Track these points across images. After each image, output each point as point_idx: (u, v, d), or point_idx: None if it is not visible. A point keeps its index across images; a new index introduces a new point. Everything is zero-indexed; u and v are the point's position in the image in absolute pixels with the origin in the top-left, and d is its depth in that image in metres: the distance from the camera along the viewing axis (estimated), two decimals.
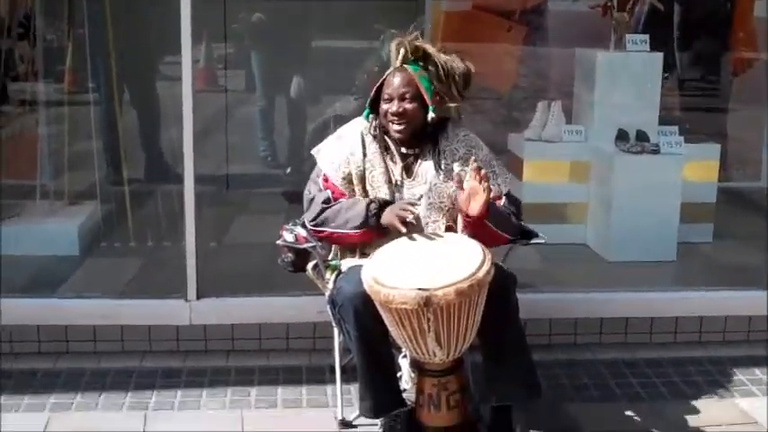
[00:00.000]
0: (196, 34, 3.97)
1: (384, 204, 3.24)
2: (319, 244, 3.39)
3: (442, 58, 3.31)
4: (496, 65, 5.71)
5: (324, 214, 3.30)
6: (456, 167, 3.26)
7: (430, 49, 3.33)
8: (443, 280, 2.90)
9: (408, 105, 3.26)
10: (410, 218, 3.14)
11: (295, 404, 3.69)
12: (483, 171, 3.12)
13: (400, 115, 3.27)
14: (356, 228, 3.23)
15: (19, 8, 5.07)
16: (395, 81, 3.29)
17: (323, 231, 3.32)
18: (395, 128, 3.29)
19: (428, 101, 3.27)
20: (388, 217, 3.18)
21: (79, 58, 5.18)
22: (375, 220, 3.19)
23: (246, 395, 3.75)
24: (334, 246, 3.51)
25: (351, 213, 3.24)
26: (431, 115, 3.28)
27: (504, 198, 3.36)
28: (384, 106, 3.30)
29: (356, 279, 3.07)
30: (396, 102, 3.27)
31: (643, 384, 3.90)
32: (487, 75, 5.59)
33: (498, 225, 3.22)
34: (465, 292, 2.89)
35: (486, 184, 3.09)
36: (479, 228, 3.15)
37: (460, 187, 3.15)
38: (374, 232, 3.22)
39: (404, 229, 3.13)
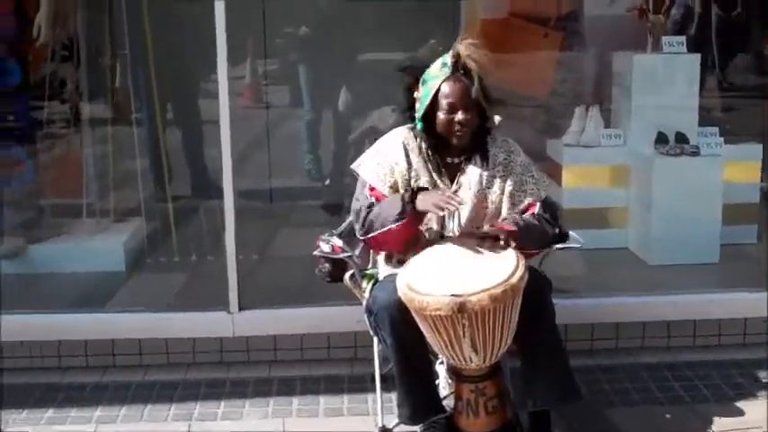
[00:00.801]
0: (240, 50, 4.01)
1: (419, 189, 3.23)
2: (356, 253, 3.42)
3: (483, 65, 3.30)
4: (534, 71, 5.71)
5: (368, 219, 3.28)
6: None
7: (478, 58, 3.29)
8: (477, 286, 2.92)
9: (472, 113, 3.26)
10: (451, 209, 3.14)
11: (336, 413, 3.72)
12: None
13: (464, 125, 3.26)
14: (396, 220, 3.17)
15: (62, 31, 5.18)
16: (454, 90, 3.26)
17: (372, 238, 3.29)
18: (458, 136, 3.28)
19: (486, 108, 3.29)
20: (424, 202, 3.15)
21: (122, 78, 5.27)
22: (411, 206, 3.16)
23: (288, 404, 3.79)
24: (371, 255, 3.54)
25: (389, 208, 3.21)
26: (497, 118, 3.31)
27: (538, 205, 3.36)
28: (444, 116, 3.27)
29: (391, 287, 3.10)
30: (461, 111, 3.25)
31: (685, 387, 3.88)
32: (525, 81, 5.60)
33: (528, 245, 3.21)
34: (499, 297, 2.91)
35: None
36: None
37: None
38: (414, 220, 3.19)
39: (441, 213, 3.14)
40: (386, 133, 3.51)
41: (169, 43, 5.25)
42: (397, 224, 3.18)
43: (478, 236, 3.19)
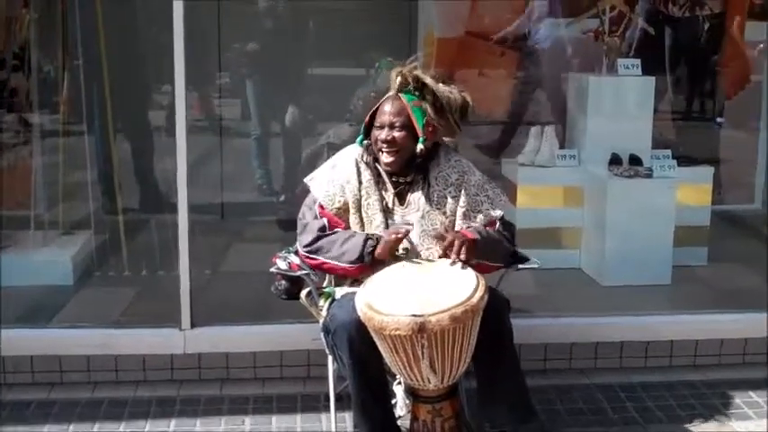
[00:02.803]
0: (191, 64, 3.98)
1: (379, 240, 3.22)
2: (312, 272, 3.39)
3: (440, 88, 3.30)
4: (489, 90, 5.75)
5: (319, 242, 3.28)
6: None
7: (427, 79, 3.31)
8: (437, 306, 2.90)
9: (397, 134, 3.27)
10: (402, 232, 3.16)
11: None
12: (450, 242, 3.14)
13: (389, 143, 3.27)
14: (351, 262, 3.20)
15: (13, 40, 5.09)
16: (387, 109, 3.30)
17: (315, 259, 3.30)
18: (384, 158, 3.30)
19: (419, 131, 3.28)
20: (380, 250, 3.17)
21: (74, 88, 5.19)
22: (371, 257, 3.18)
23: (241, 423, 3.73)
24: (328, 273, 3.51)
25: (347, 246, 3.22)
26: (419, 147, 3.28)
27: (498, 223, 3.35)
28: (375, 133, 3.32)
29: (350, 306, 3.07)
30: (386, 129, 3.28)
31: (638, 409, 3.88)
32: (480, 100, 5.61)
33: (489, 257, 3.22)
34: (459, 317, 2.89)
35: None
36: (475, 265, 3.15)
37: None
38: (368, 267, 3.20)
39: (400, 236, 3.17)
40: (342, 148, 3.51)
41: (123, 54, 5.19)
42: (353, 267, 3.21)
43: (436, 237, 3.20)
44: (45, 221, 5.03)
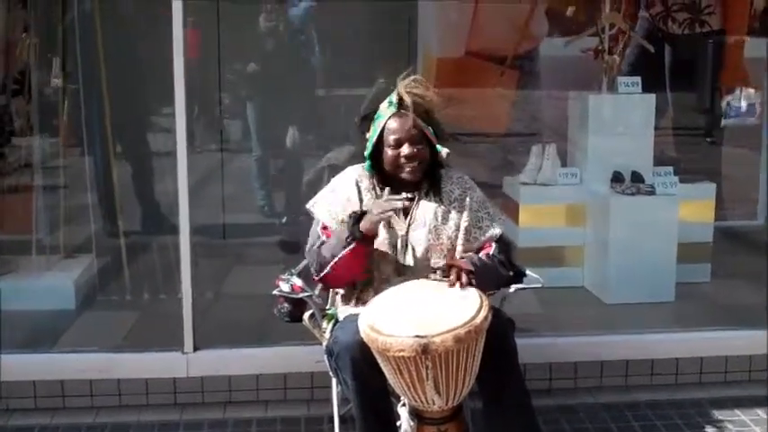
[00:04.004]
0: (191, 85, 3.99)
1: (361, 214, 3.20)
2: (315, 293, 3.37)
3: (434, 99, 3.32)
4: (490, 109, 5.76)
5: (320, 255, 3.26)
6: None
7: (423, 93, 3.31)
8: (441, 327, 2.87)
9: (419, 146, 3.27)
10: (397, 206, 3.14)
11: None
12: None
13: (413, 157, 3.26)
14: (344, 246, 3.16)
15: (14, 64, 5.10)
16: (397, 126, 3.28)
17: (327, 273, 3.26)
18: (408, 171, 3.28)
19: (434, 140, 3.29)
20: (368, 222, 3.15)
21: (74, 112, 5.19)
22: (358, 230, 3.15)
23: None
24: (330, 295, 3.50)
25: (336, 238, 3.21)
26: (444, 151, 3.29)
27: (494, 245, 3.34)
28: (391, 152, 3.28)
29: (353, 328, 3.05)
30: (406, 145, 3.26)
31: (644, 427, 3.87)
32: (481, 119, 5.64)
33: (484, 287, 3.17)
34: (463, 338, 2.87)
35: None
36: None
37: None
38: (362, 244, 3.17)
39: (389, 215, 3.15)
40: (343, 169, 3.50)
41: (123, 77, 5.20)
42: (348, 249, 3.17)
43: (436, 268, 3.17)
44: (47, 246, 5.02)
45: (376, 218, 3.15)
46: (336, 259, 3.20)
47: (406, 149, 3.26)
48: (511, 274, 3.37)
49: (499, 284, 3.32)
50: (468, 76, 5.72)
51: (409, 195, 3.22)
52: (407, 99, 3.28)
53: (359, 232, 3.16)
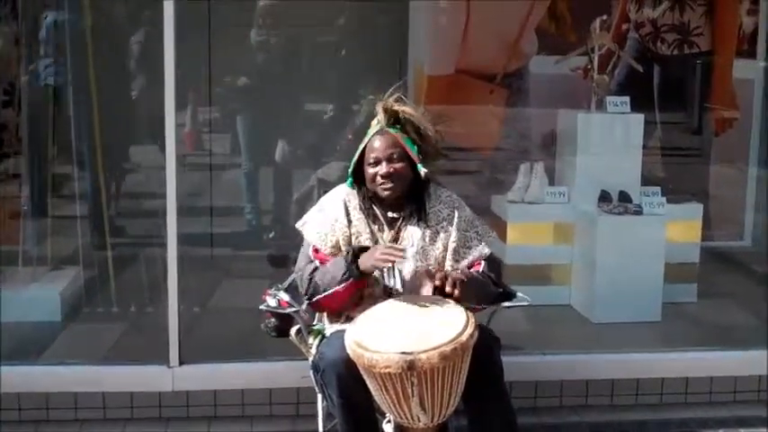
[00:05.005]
0: (181, 99, 3.99)
1: (361, 250, 3.21)
2: (302, 308, 3.37)
3: (419, 117, 3.33)
4: (479, 127, 5.77)
5: (312, 283, 3.27)
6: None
7: (407, 110, 3.33)
8: (427, 344, 2.88)
9: (397, 165, 3.27)
10: (394, 259, 3.11)
11: None
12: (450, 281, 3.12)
13: (390, 176, 3.27)
14: (340, 282, 3.18)
15: (3, 76, 5.10)
16: (380, 144, 3.30)
17: (318, 301, 3.28)
18: (384, 189, 3.29)
19: (416, 158, 3.29)
20: (367, 261, 3.16)
21: (63, 123, 5.19)
22: (356, 268, 3.16)
23: None
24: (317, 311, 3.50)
25: (333, 270, 3.21)
26: (423, 171, 3.28)
27: (483, 263, 3.35)
28: (371, 170, 3.30)
29: (339, 344, 3.05)
30: (384, 164, 3.27)
31: None
32: (470, 136, 5.64)
33: (475, 300, 3.21)
34: (449, 355, 2.87)
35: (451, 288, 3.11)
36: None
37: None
38: (359, 281, 3.18)
39: (387, 266, 3.13)
40: (333, 185, 3.51)
41: (113, 89, 5.20)
42: (342, 286, 3.18)
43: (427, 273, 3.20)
44: (33, 257, 5.00)
45: (375, 263, 3.14)
46: (330, 292, 3.21)
47: (383, 168, 3.27)
48: (500, 290, 3.37)
49: (489, 300, 3.31)
50: (458, 94, 5.74)
51: (404, 254, 3.19)
52: (383, 116, 3.31)
53: (357, 271, 3.16)
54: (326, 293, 3.22)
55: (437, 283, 3.14)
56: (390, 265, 3.14)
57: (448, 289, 3.10)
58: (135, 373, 4.08)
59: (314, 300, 3.27)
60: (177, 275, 4.04)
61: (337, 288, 3.19)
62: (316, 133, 6.04)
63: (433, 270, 3.26)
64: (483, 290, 3.27)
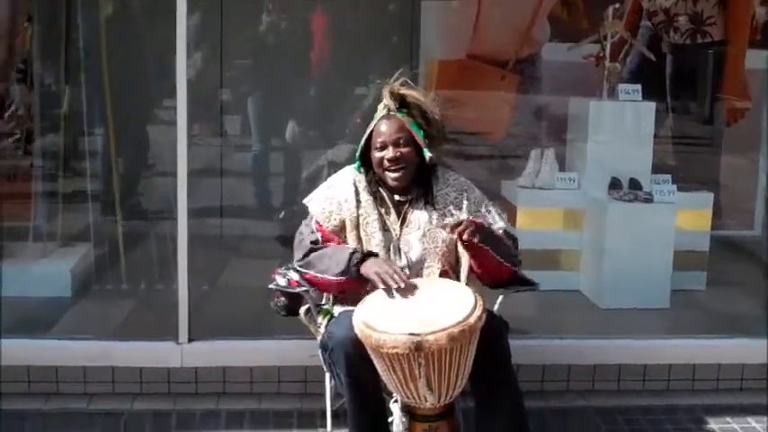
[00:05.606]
0: (192, 79, 4.00)
1: (368, 254, 3.21)
2: (312, 288, 3.39)
3: (426, 101, 3.33)
4: (490, 112, 5.76)
5: (310, 256, 3.28)
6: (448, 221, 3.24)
7: (414, 93, 3.33)
8: (435, 325, 2.89)
9: (404, 149, 3.27)
10: (392, 285, 3.07)
11: None
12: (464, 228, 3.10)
13: (397, 160, 3.27)
14: (337, 275, 3.19)
15: (17, 52, 5.10)
16: (386, 128, 3.30)
17: (307, 273, 3.29)
18: (392, 175, 3.29)
19: (422, 143, 3.29)
20: (369, 269, 3.14)
21: (75, 100, 5.20)
22: (356, 270, 3.16)
23: None
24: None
25: (334, 260, 3.21)
26: (428, 155, 3.29)
27: (502, 231, 3.35)
28: (378, 155, 3.30)
29: (347, 324, 3.06)
30: (391, 148, 3.28)
31: None
32: (481, 122, 5.65)
33: (491, 245, 3.19)
34: (456, 337, 2.88)
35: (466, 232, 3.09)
36: (478, 251, 3.15)
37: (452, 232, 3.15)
38: (354, 281, 3.19)
39: (382, 286, 3.10)
40: (343, 166, 3.51)
41: (126, 67, 5.20)
42: (336, 278, 3.19)
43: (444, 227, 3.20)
44: (44, 233, 5.02)
45: (374, 277, 3.11)
46: (321, 277, 3.23)
47: (389, 152, 3.27)
48: (519, 257, 3.36)
49: (507, 256, 3.28)
50: (470, 79, 5.73)
51: (401, 284, 3.11)
52: (389, 100, 3.30)
53: (356, 272, 3.16)
54: (318, 276, 3.24)
55: (453, 234, 3.13)
56: (384, 287, 3.11)
57: (465, 237, 3.08)
58: (144, 348, 4.10)
59: (305, 271, 3.28)
60: (187, 253, 4.05)
61: (331, 278, 3.20)
62: (326, 116, 6.04)
63: (448, 229, 3.23)
64: (498, 242, 3.25)
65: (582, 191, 5.12)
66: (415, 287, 3.13)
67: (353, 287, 3.21)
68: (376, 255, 3.24)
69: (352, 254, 3.19)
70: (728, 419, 4.02)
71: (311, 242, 3.31)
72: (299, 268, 3.31)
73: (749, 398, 4.21)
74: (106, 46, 4.98)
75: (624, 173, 5.04)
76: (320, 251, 3.28)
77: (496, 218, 3.37)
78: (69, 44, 5.11)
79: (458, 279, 3.31)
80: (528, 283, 3.38)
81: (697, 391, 4.26)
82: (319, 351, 3.33)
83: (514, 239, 3.41)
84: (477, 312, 2.96)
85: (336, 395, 3.43)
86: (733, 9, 5.76)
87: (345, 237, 3.34)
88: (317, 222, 3.36)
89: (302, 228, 3.41)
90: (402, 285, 3.08)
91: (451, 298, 3.05)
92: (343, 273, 3.18)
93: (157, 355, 4.07)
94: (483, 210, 3.37)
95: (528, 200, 5.12)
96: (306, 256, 3.30)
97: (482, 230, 3.15)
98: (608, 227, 4.91)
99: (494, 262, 3.22)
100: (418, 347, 2.85)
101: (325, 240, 3.32)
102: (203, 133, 6.18)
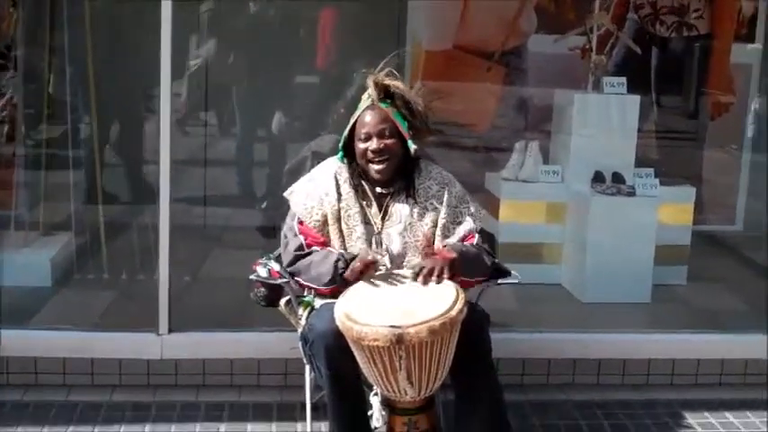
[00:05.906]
0: (178, 68, 3.97)
1: (351, 260, 3.20)
2: (293, 279, 3.38)
3: (410, 92, 3.32)
4: (475, 104, 5.76)
5: (296, 264, 3.28)
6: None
7: (399, 85, 3.32)
8: (416, 318, 2.89)
9: (388, 141, 3.26)
10: (368, 261, 3.12)
11: None
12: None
13: (381, 152, 3.26)
14: (325, 284, 3.20)
15: (1, 37, 5.07)
16: (370, 119, 3.28)
17: (298, 280, 3.30)
18: (376, 167, 3.28)
19: (406, 135, 3.28)
20: (350, 274, 3.16)
21: (59, 88, 5.17)
22: (341, 278, 3.16)
23: (216, 430, 3.72)
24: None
25: (321, 269, 3.21)
26: (413, 147, 3.28)
27: (476, 236, 3.35)
28: (362, 146, 3.29)
29: (328, 316, 3.05)
30: (375, 139, 3.26)
31: (614, 426, 3.89)
32: (466, 113, 5.64)
33: (469, 273, 3.21)
34: (437, 330, 2.88)
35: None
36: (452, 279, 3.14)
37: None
38: (343, 287, 3.18)
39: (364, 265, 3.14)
40: (327, 157, 3.50)
41: (110, 55, 5.17)
42: (326, 287, 3.20)
43: (415, 272, 3.13)
44: (26, 222, 4.99)
45: (355, 272, 3.14)
46: (312, 286, 3.25)
47: (373, 143, 3.26)
48: (495, 260, 3.37)
49: (484, 272, 3.31)
50: (456, 70, 5.73)
51: (377, 258, 3.19)
52: (374, 91, 3.29)
53: (341, 280, 3.16)
54: (308, 284, 3.26)
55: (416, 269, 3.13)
56: (368, 265, 3.14)
57: (420, 280, 3.09)
58: (124, 339, 4.08)
59: (295, 278, 3.30)
60: (169, 243, 4.03)
61: (321, 288, 3.23)
62: (311, 107, 6.02)
63: (421, 247, 3.26)
64: (474, 262, 3.26)
65: (565, 184, 5.13)
66: (397, 279, 3.13)
67: (344, 288, 3.20)
68: (356, 256, 3.23)
69: (337, 262, 3.18)
70: (707, 414, 4.03)
71: (295, 249, 3.30)
72: (288, 272, 3.31)
73: (728, 393, 4.23)
74: (91, 33, 4.94)
75: (607, 166, 5.04)
76: (305, 260, 3.27)
77: (469, 219, 3.36)
78: (54, 31, 5.07)
79: None
80: (506, 272, 3.38)
81: (676, 386, 4.28)
82: (299, 343, 3.33)
83: (489, 237, 3.40)
84: (459, 305, 2.96)
85: (316, 387, 3.42)
86: (719, 3, 5.79)
87: (328, 231, 3.33)
88: (300, 221, 3.34)
89: (285, 229, 3.39)
90: (376, 267, 3.13)
91: (433, 290, 3.05)
92: (330, 282, 3.18)
93: (137, 347, 4.05)
94: (462, 207, 3.37)
95: (511, 192, 5.13)
96: (291, 264, 3.30)
97: (453, 266, 3.12)
98: (590, 220, 4.91)
99: (468, 283, 3.23)
100: (399, 340, 2.85)
101: (309, 244, 3.30)
102: (186, 122, 6.16)
